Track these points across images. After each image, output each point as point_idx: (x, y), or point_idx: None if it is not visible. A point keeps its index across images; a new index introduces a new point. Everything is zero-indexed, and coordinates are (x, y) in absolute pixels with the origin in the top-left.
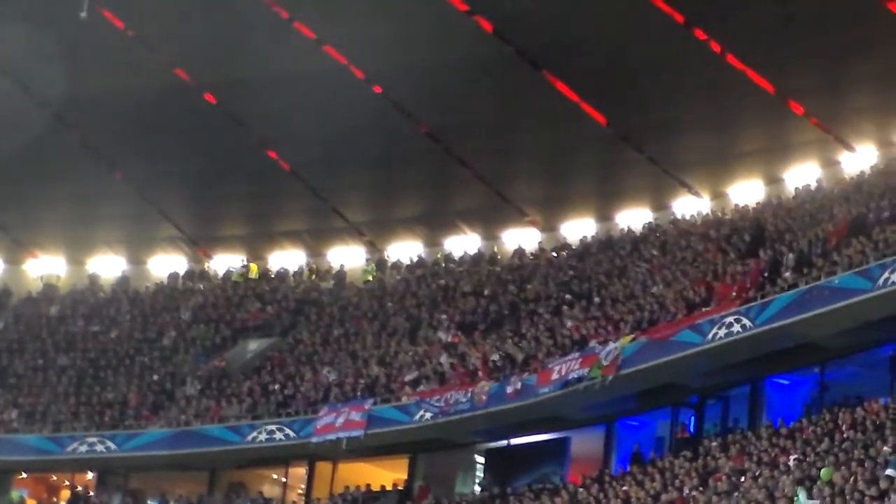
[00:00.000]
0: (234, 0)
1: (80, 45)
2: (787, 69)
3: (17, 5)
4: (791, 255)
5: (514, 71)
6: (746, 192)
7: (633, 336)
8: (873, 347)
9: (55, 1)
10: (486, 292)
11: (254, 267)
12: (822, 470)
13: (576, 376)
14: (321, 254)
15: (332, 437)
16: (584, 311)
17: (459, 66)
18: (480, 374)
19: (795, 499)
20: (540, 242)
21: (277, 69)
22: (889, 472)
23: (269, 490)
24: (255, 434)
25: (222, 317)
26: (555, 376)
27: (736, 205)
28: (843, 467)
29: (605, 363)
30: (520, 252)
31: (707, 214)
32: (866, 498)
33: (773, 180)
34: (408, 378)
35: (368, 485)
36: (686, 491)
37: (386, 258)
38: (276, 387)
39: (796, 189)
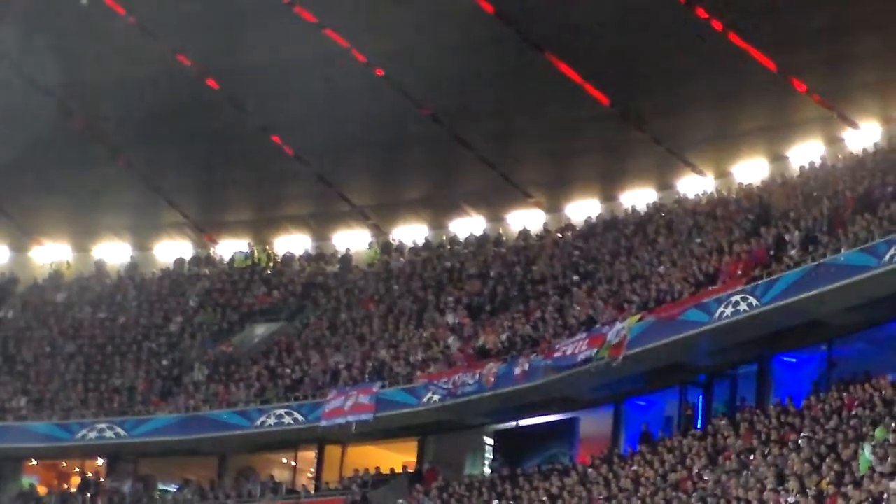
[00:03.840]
0: None
1: (81, 33)
2: (789, 46)
3: None
4: (797, 233)
5: (515, 52)
6: (750, 170)
7: (639, 316)
8: (880, 324)
9: None
10: (492, 274)
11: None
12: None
13: (583, 357)
14: (326, 237)
15: (340, 420)
16: (590, 291)
17: (461, 47)
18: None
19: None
20: (545, 223)
21: (279, 53)
22: None
23: (279, 474)
24: (263, 419)
25: (229, 302)
26: (557, 354)
27: (740, 183)
28: (851, 444)
29: (612, 343)
30: (525, 233)
31: (712, 193)
32: (876, 475)
33: (777, 158)
34: (415, 360)
35: (378, 468)
36: (695, 470)
37: (391, 241)
38: (287, 370)
39: (801, 167)
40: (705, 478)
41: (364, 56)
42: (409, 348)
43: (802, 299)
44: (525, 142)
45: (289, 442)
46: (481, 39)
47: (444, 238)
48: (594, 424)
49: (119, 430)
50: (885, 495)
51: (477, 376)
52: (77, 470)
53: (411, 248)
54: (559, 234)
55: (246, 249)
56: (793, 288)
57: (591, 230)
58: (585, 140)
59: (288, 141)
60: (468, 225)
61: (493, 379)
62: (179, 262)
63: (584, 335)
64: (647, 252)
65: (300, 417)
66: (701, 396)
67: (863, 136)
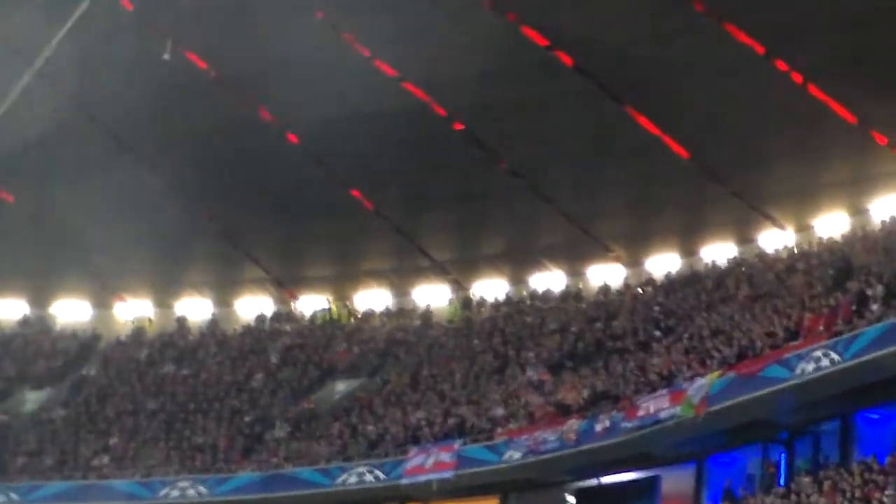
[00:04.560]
0: (315, 39)
1: (163, 87)
2: (870, 99)
3: (102, 50)
4: (879, 287)
5: (595, 106)
6: (831, 224)
7: (720, 372)
8: None
9: (140, 43)
10: (572, 329)
11: (335, 308)
12: None
13: (667, 415)
14: (407, 293)
15: (422, 478)
16: (670, 346)
17: (541, 101)
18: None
19: None
20: (625, 278)
21: (359, 107)
22: None
23: None
24: (345, 476)
25: (310, 358)
26: (641, 413)
27: (821, 237)
28: None
29: (695, 401)
30: (605, 288)
31: (793, 247)
32: None
33: (858, 212)
34: (496, 417)
35: None
36: None
37: (471, 296)
38: (370, 427)
39: (882, 221)
40: None
41: (444, 110)
42: (490, 405)
43: (885, 354)
44: (605, 196)
45: (370, 500)
46: (561, 93)
47: (525, 293)
48: (676, 482)
49: (201, 488)
50: None
51: (558, 433)
52: None
53: (492, 304)
54: (639, 289)
55: (325, 305)
56: (875, 343)
57: (671, 285)
58: (665, 194)
59: (368, 195)
60: (548, 279)
61: (574, 436)
62: (260, 318)
63: (665, 391)
64: (727, 307)
65: (381, 475)
66: (783, 454)
67: None
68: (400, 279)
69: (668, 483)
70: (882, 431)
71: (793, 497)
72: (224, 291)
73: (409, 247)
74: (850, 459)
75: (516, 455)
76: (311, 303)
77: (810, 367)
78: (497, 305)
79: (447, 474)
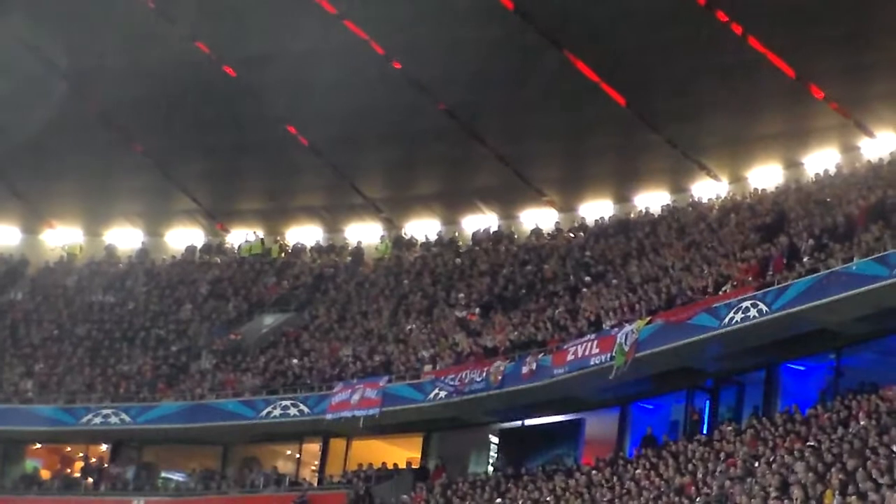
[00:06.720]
0: None
1: (99, 17)
2: (808, 53)
3: None
4: (809, 241)
5: (534, 50)
6: (765, 175)
7: (649, 319)
8: (890, 334)
9: None
10: (503, 272)
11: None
12: None
13: (597, 361)
14: (338, 230)
15: (346, 414)
16: (600, 292)
17: (480, 43)
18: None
19: None
20: (557, 223)
21: (298, 43)
22: None
23: (283, 466)
24: (269, 409)
25: (238, 291)
26: (570, 357)
27: (755, 189)
28: (856, 455)
29: (626, 348)
30: (537, 232)
31: (726, 197)
32: (883, 487)
33: (793, 164)
34: (422, 356)
35: (384, 462)
36: (699, 475)
37: (403, 235)
38: (295, 361)
39: (816, 174)
40: (709, 483)
41: (382, 48)
42: (417, 343)
43: (812, 307)
44: (540, 140)
45: (293, 433)
46: (500, 35)
47: (456, 234)
48: (600, 426)
49: (124, 416)
50: None
51: (484, 374)
52: (81, 455)
53: (423, 244)
54: (571, 234)
55: (252, 238)
56: (803, 296)
57: (602, 231)
58: (601, 140)
59: (303, 132)
60: (481, 222)
61: (500, 377)
62: (190, 249)
63: (593, 336)
64: (658, 255)
65: (306, 409)
66: (707, 401)
67: (878, 145)
68: (332, 216)
69: (592, 427)
70: (805, 383)
71: (715, 444)
72: (155, 222)
73: (342, 184)
74: (773, 409)
75: (441, 394)
76: (241, 236)
77: (738, 316)
78: (428, 245)
79: (372, 411)
